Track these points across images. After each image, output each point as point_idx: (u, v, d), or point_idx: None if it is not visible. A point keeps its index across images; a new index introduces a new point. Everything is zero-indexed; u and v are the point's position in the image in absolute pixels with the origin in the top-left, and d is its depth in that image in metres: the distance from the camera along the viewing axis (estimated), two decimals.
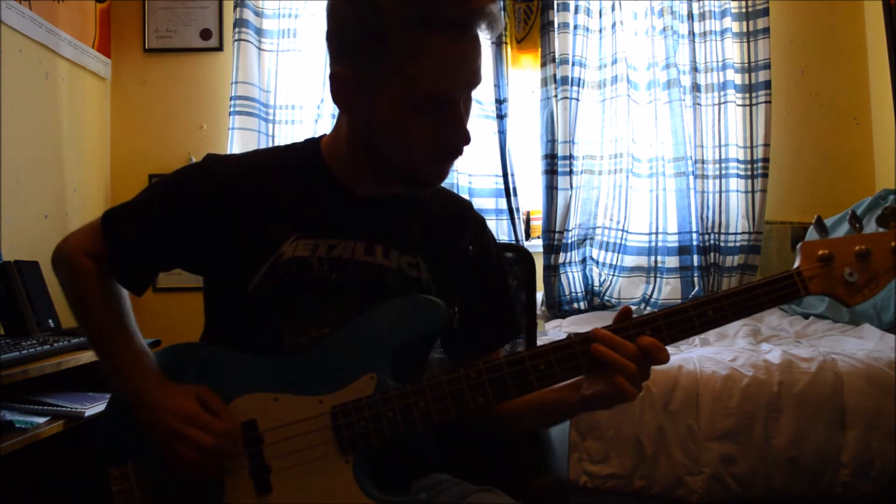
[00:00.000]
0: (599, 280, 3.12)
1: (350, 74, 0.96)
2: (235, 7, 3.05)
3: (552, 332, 2.77)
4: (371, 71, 0.94)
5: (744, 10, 3.09)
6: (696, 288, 3.05)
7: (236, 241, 1.01)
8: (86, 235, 1.07)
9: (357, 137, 1.02)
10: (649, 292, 3.06)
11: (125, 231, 1.05)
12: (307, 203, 1.04)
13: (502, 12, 3.11)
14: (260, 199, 1.03)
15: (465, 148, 1.00)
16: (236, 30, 3.04)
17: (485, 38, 0.95)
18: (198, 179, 1.05)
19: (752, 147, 3.07)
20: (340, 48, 0.98)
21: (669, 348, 0.95)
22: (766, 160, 3.06)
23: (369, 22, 0.91)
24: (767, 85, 3.06)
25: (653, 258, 3.08)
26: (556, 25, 3.07)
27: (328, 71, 0.99)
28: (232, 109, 3.03)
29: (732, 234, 3.08)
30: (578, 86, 3.08)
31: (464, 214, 1.17)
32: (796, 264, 0.96)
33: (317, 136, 1.13)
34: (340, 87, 0.98)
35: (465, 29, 0.92)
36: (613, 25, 3.11)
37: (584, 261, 3.12)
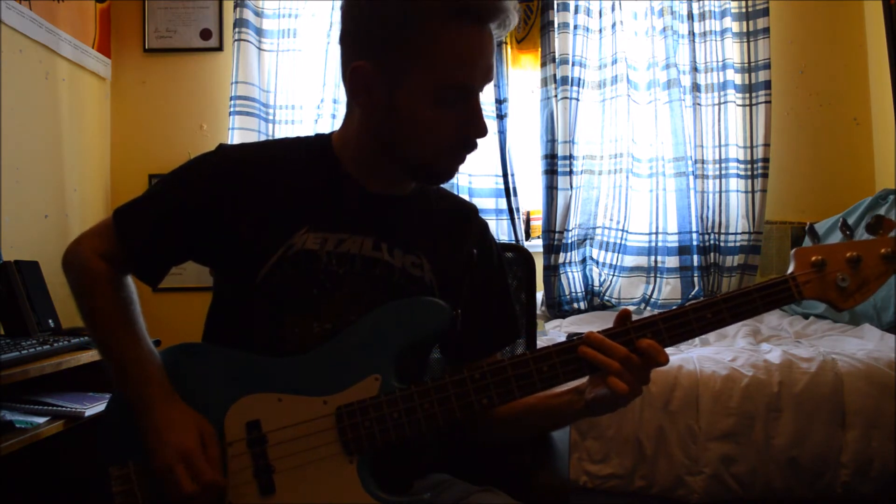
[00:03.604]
0: (599, 280, 3.12)
1: (372, 67, 0.97)
2: (235, 7, 3.05)
3: (552, 332, 2.77)
4: (397, 60, 0.95)
5: (744, 10, 3.10)
6: (696, 288, 3.05)
7: (247, 231, 1.01)
8: (97, 236, 1.06)
9: (371, 133, 1.02)
10: (649, 292, 3.06)
11: (138, 226, 1.04)
12: (318, 196, 1.05)
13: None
14: (272, 190, 1.03)
15: (484, 136, 1.02)
16: (236, 30, 3.04)
17: (496, 35, 0.99)
18: (210, 169, 1.05)
19: (752, 147, 3.07)
20: (364, 41, 0.99)
21: (669, 348, 0.96)
22: (766, 160, 3.06)
23: (400, 10, 0.94)
24: (767, 85, 3.07)
25: (653, 258, 3.08)
26: (556, 25, 3.07)
27: (346, 66, 0.99)
28: (232, 109, 3.03)
29: (732, 234, 3.08)
30: (578, 86, 3.08)
31: (468, 218, 1.17)
32: (790, 270, 0.98)
33: (327, 132, 1.13)
34: (361, 81, 0.98)
35: (486, 22, 0.96)
36: (613, 25, 3.11)
37: (584, 261, 3.12)
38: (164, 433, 0.93)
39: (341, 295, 1.02)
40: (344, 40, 1.02)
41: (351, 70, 0.98)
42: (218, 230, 1.02)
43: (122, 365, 1.00)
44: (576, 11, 3.08)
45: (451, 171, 1.05)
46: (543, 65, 3.09)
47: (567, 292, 3.08)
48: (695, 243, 3.06)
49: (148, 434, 0.95)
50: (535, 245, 3.14)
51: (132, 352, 1.00)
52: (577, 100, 3.08)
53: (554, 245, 3.04)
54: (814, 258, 0.97)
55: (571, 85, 3.06)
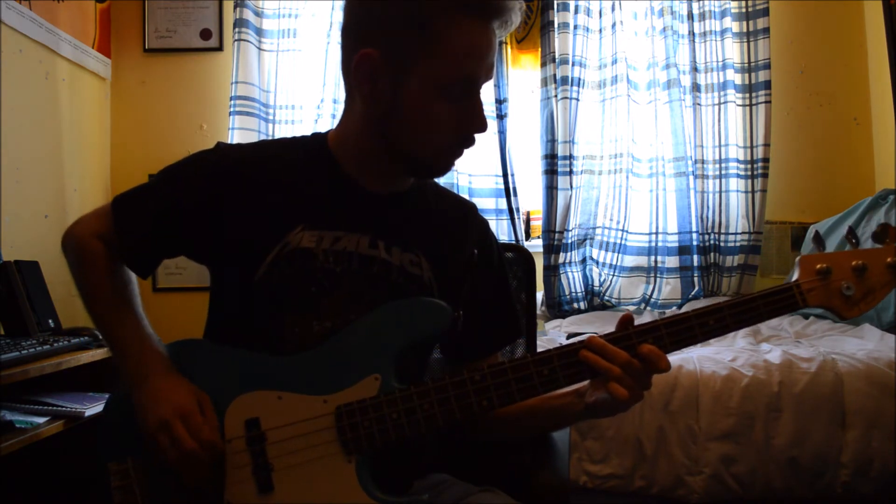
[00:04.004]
0: (599, 280, 3.12)
1: (379, 55, 0.97)
2: (235, 7, 3.05)
3: (552, 332, 2.77)
4: (404, 51, 0.96)
5: (744, 10, 3.10)
6: (696, 288, 3.05)
7: (243, 229, 1.02)
8: (96, 218, 1.08)
9: (372, 126, 1.02)
10: (649, 292, 3.06)
11: (134, 215, 1.05)
12: (313, 194, 1.05)
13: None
14: (267, 188, 1.03)
15: (479, 141, 1.03)
16: (236, 30, 3.04)
17: (497, 34, 0.99)
18: (207, 166, 1.06)
19: (752, 147, 3.07)
20: (371, 29, 0.99)
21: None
22: (766, 160, 3.06)
23: (401, 6, 0.95)
24: (767, 85, 3.07)
25: (653, 258, 3.08)
26: (556, 25, 3.07)
27: (351, 55, 0.99)
28: (232, 109, 3.03)
29: (732, 234, 3.08)
30: (578, 86, 3.08)
31: (468, 218, 1.17)
32: (795, 277, 0.98)
33: (323, 130, 1.13)
34: (367, 69, 0.98)
35: (492, 18, 0.96)
36: (613, 25, 3.11)
37: (584, 261, 3.12)
38: (161, 396, 0.94)
39: (340, 293, 1.02)
40: (350, 29, 1.02)
41: (358, 57, 0.97)
42: (214, 229, 1.03)
43: (120, 339, 1.01)
44: (576, 11, 3.08)
45: (449, 166, 1.05)
46: (543, 65, 3.09)
47: (567, 292, 3.08)
48: (695, 243, 3.06)
49: (142, 400, 0.95)
50: (535, 245, 3.14)
51: (130, 327, 1.01)
52: (577, 100, 3.08)
53: (554, 245, 3.04)
54: (819, 266, 0.96)
55: (571, 85, 3.06)
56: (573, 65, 3.06)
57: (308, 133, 1.15)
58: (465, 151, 1.04)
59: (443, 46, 0.95)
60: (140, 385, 0.96)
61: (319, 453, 0.95)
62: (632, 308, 3.07)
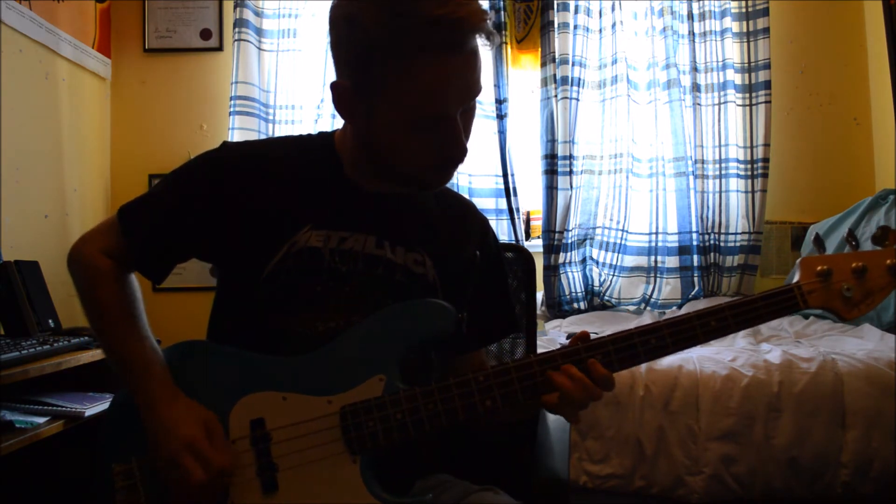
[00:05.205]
0: (599, 280, 3.12)
1: (349, 87, 0.97)
2: (235, 7, 3.05)
3: (552, 332, 2.77)
4: (369, 86, 0.95)
5: (744, 10, 3.10)
6: (696, 288, 3.05)
7: (251, 228, 1.02)
8: (102, 234, 1.07)
9: (360, 143, 1.03)
10: (649, 292, 3.06)
11: (143, 223, 1.05)
12: (321, 194, 1.05)
13: (502, 13, 3.10)
14: (275, 187, 1.03)
15: (465, 156, 1.01)
16: (236, 30, 3.04)
17: (483, 46, 0.95)
18: (214, 167, 1.05)
19: (752, 147, 3.07)
20: (339, 61, 0.99)
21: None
22: (766, 160, 3.07)
23: (359, 44, 0.93)
24: (767, 85, 3.07)
25: (653, 258, 3.08)
26: (556, 25, 3.07)
27: (332, 80, 1.00)
28: (232, 109, 3.03)
29: (732, 234, 3.09)
30: (578, 86, 3.08)
31: (468, 218, 1.18)
32: (796, 278, 0.98)
33: (330, 130, 1.13)
34: (341, 98, 0.99)
35: (458, 48, 0.92)
36: (613, 25, 3.11)
37: (584, 261, 3.12)
38: (169, 428, 0.94)
39: (345, 293, 1.02)
40: (332, 54, 1.02)
41: (331, 87, 0.99)
42: (222, 228, 1.03)
43: (125, 361, 1.00)
44: (576, 11, 3.08)
45: (441, 181, 1.05)
46: (543, 65, 3.09)
47: (567, 292, 3.08)
48: (695, 243, 3.06)
49: (152, 430, 0.95)
50: (535, 245, 3.14)
51: (135, 348, 1.00)
52: (577, 100, 3.08)
53: (554, 245, 3.04)
54: (819, 268, 0.97)
55: (571, 85, 3.06)
56: (573, 65, 3.06)
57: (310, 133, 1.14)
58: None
59: (401, 87, 0.92)
60: (146, 412, 0.96)
61: (324, 453, 0.95)
62: (632, 308, 3.07)
